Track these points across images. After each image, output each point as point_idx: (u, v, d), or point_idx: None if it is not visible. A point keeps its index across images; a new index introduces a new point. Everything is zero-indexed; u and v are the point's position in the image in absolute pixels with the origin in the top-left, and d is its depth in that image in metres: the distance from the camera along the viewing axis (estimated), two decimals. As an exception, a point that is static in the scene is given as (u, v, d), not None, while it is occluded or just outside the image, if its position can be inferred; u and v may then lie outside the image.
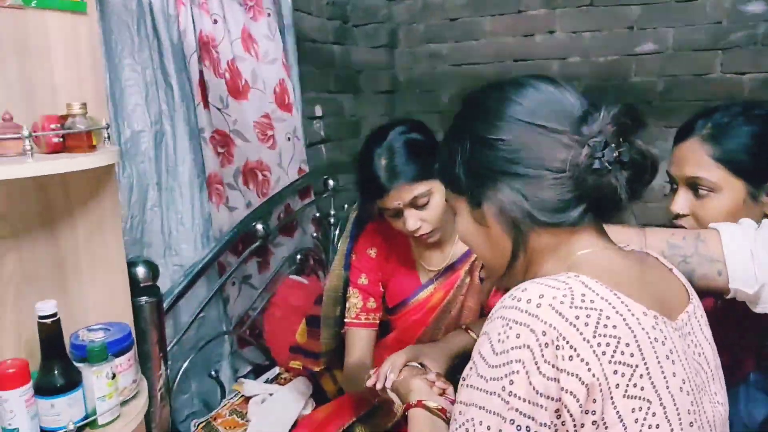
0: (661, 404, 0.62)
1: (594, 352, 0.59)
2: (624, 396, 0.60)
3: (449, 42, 2.54)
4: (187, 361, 1.57)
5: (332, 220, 2.14)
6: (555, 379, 0.59)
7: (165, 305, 1.37)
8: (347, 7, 2.55)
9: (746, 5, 2.07)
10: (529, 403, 0.59)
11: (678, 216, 1.05)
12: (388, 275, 1.43)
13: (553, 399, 0.59)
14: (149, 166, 1.51)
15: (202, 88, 1.61)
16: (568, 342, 0.59)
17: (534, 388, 0.59)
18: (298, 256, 1.96)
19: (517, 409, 0.59)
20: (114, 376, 0.99)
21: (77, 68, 1.03)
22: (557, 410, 0.59)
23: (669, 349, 0.65)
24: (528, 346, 0.59)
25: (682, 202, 1.04)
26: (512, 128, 0.69)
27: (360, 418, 1.39)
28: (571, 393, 0.59)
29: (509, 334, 0.60)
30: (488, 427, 0.61)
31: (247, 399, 1.60)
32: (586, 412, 0.59)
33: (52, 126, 0.92)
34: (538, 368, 0.59)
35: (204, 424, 1.54)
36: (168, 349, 1.44)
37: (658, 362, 0.63)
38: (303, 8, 2.18)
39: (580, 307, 0.60)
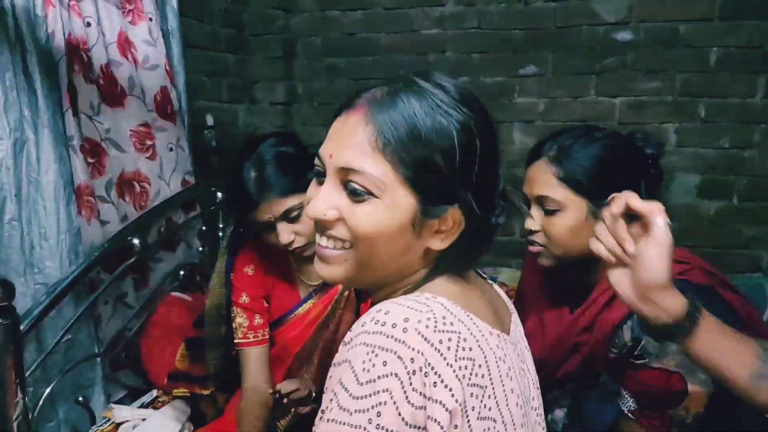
0: (503, 421, 0.63)
1: (456, 376, 0.59)
2: (477, 418, 0.60)
3: (347, 56, 2.56)
4: (50, 386, 1.45)
5: (220, 234, 2.06)
6: (422, 407, 0.57)
7: (24, 327, 1.26)
8: (243, 15, 2.51)
9: (617, 33, 2.24)
10: None
11: (531, 232, 1.11)
12: (268, 291, 1.40)
13: (419, 428, 0.57)
14: (6, 176, 1.39)
15: (71, 93, 1.52)
16: (433, 368, 0.57)
17: (403, 419, 0.56)
18: (182, 272, 1.87)
19: None
20: (-54, 408, 0.90)
21: None
22: None
23: (508, 367, 0.67)
24: (396, 375, 0.56)
25: (533, 219, 1.10)
26: None
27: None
28: (436, 420, 0.57)
29: (375, 362, 0.56)
30: None
31: (118, 425, 1.50)
32: None
33: None
34: (406, 397, 0.56)
35: (69, 454, 1.43)
36: (29, 373, 1.34)
37: (501, 381, 0.64)
38: (193, 14, 2.11)
39: (443, 331, 0.59)
